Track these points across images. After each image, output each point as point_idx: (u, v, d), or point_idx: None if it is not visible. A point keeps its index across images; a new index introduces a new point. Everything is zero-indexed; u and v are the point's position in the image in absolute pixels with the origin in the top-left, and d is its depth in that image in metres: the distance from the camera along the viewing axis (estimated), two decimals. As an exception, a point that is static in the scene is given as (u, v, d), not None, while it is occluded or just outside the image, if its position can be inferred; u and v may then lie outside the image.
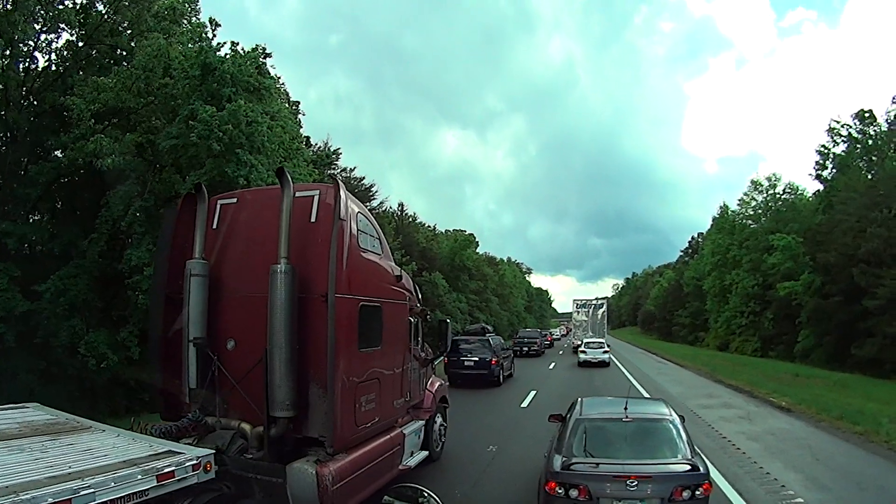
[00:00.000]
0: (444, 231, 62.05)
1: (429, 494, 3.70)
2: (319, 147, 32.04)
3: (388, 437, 8.16)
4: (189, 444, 6.20)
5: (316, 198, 7.04)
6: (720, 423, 14.98)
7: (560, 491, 6.19)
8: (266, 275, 6.54)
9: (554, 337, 66.13)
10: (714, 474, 8.51)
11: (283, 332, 6.38)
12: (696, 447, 6.92)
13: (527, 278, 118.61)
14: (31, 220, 18.16)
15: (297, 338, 6.49)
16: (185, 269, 7.12)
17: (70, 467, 4.50)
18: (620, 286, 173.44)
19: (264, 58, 18.95)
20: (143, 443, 5.37)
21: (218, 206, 7.64)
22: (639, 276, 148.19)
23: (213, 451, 5.32)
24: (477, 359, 23.07)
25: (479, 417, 15.65)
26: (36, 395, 16.21)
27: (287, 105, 25.94)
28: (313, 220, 6.96)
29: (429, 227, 57.05)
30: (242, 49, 18.20)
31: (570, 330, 64.32)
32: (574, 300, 56.42)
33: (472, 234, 63.92)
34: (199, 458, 4.97)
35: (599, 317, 53.14)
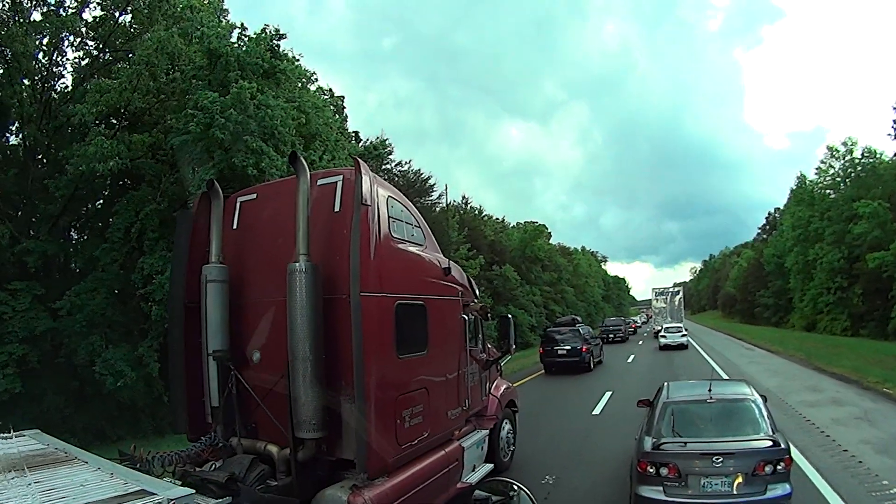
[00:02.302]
0: (515, 224, 59.33)
1: (519, 488, 3.28)
2: (370, 142, 29.41)
3: (443, 453, 7.07)
4: (208, 470, 5.64)
5: (339, 184, 6.15)
6: (835, 429, 11.43)
7: (651, 470, 6.45)
8: None
9: (637, 325, 65.52)
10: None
11: (307, 341, 5.51)
12: (776, 425, 7.01)
13: (602, 267, 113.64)
14: (60, 239, 17.25)
15: (325, 346, 5.60)
16: (202, 274, 6.36)
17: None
18: (698, 269, 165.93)
19: (278, 40, 16.38)
20: (119, 479, 4.35)
21: (238, 205, 6.90)
22: (716, 258, 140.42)
23: (192, 492, 4.12)
24: (569, 347, 24.04)
25: (542, 428, 12.52)
26: (66, 417, 15.09)
27: (329, 98, 23.82)
28: (337, 209, 6.07)
29: (497, 219, 54.00)
30: (252, 33, 15.80)
31: (651, 317, 65.96)
32: (653, 289, 59.36)
33: (542, 225, 60.58)
34: (171, 500, 3.90)
35: (677, 303, 55.16)
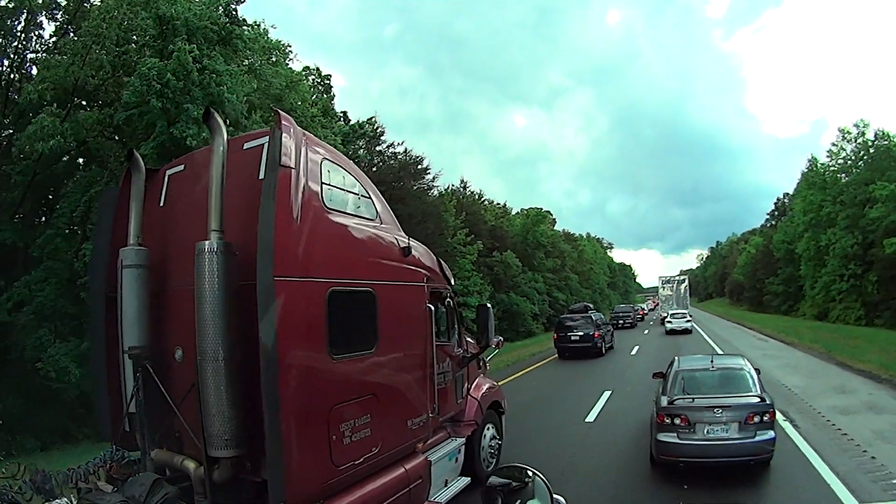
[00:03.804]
0: (519, 210, 57.58)
1: (533, 473, 2.85)
2: (357, 122, 27.59)
3: (402, 470, 6.06)
4: (109, 491, 4.77)
5: (267, 146, 4.97)
6: (881, 447, 8.86)
7: (667, 420, 7.99)
8: None
9: (644, 312, 65.31)
10: None
11: (217, 338, 4.54)
12: (765, 388, 8.60)
13: (608, 254, 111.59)
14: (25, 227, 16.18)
15: (243, 344, 4.57)
16: (118, 259, 5.52)
17: None
18: (705, 256, 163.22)
19: (236, 4, 14.49)
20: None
21: (166, 178, 6.05)
22: (723, 245, 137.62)
23: None
24: (582, 333, 24.55)
25: (523, 440, 10.33)
26: (25, 417, 13.99)
27: (316, 78, 22.16)
28: (262, 176, 4.91)
29: (498, 204, 51.99)
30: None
31: (658, 304, 67.43)
32: (659, 277, 62.04)
33: (547, 211, 58.97)
34: None
35: (682, 291, 57.16)
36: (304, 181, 4.89)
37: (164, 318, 5.52)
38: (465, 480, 7.48)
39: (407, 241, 6.37)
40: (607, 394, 14.65)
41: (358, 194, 5.75)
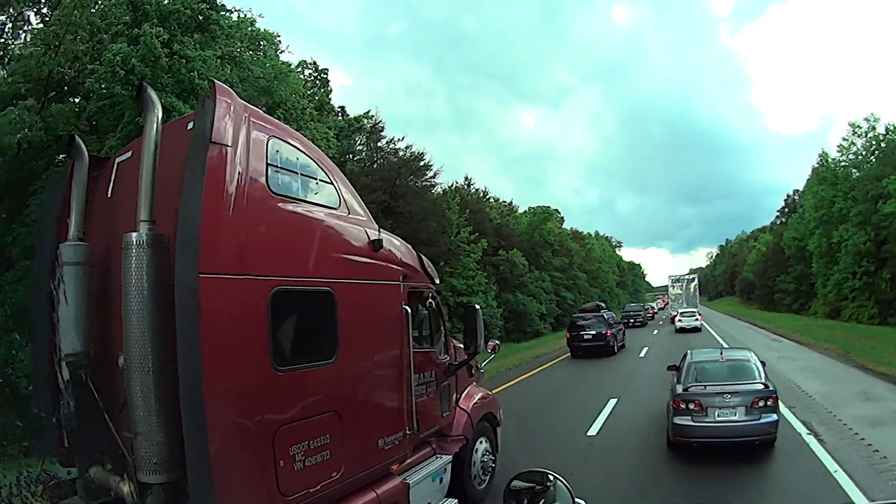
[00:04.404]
0: (527, 209, 56.54)
1: (554, 477, 2.92)
2: (352, 116, 26.69)
3: (373, 495, 5.25)
4: None
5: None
6: None
7: (683, 405, 8.84)
8: None
9: (654, 310, 64.85)
10: None
11: (145, 346, 3.85)
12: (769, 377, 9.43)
13: (617, 252, 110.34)
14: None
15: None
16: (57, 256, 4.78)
17: None
18: (714, 255, 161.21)
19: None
20: None
21: (115, 167, 5.25)
22: (732, 243, 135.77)
23: None
24: (594, 332, 24.69)
25: (515, 453, 9.08)
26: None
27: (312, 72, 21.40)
28: None
29: (504, 202, 51.01)
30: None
31: (667, 303, 67.23)
32: (669, 276, 63.02)
33: (555, 209, 58.20)
34: None
35: (692, 290, 57.41)
36: (242, 161, 4.23)
37: (108, 322, 4.81)
38: (452, 502, 6.75)
39: (378, 233, 5.55)
40: (613, 402, 13.42)
41: (315, 178, 5.03)
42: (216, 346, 3.86)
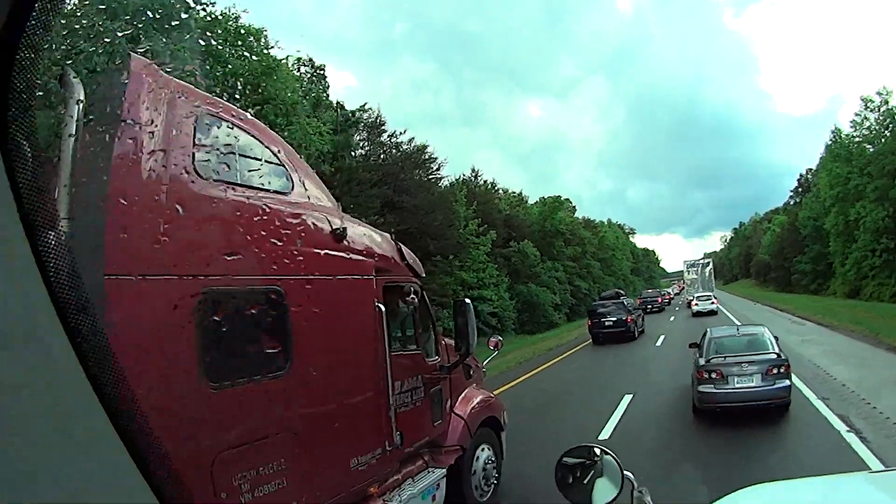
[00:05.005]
0: (538, 199, 55.53)
1: (602, 451, 2.88)
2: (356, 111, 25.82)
3: None
4: None
5: None
6: None
7: (706, 375, 9.69)
8: None
9: (670, 296, 65.09)
10: None
11: None
12: (781, 347, 10.35)
13: (631, 239, 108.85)
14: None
15: None
16: None
17: None
18: (728, 238, 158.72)
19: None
20: None
21: None
22: (746, 226, 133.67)
23: None
24: (615, 318, 25.25)
25: (518, 462, 7.94)
26: None
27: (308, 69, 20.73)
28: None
29: (513, 193, 49.88)
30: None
31: (683, 288, 69.24)
32: (684, 261, 66.14)
33: (566, 199, 57.18)
34: None
35: (707, 274, 59.67)
36: (161, 142, 3.56)
37: None
38: None
39: (341, 221, 4.77)
40: (627, 399, 12.23)
41: (260, 160, 4.29)
42: (130, 362, 2.95)
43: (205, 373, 3.54)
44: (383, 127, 28.23)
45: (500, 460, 7.45)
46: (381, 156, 27.63)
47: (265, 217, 4.14)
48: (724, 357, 9.92)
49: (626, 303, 27.21)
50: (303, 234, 4.48)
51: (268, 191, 4.25)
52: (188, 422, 3.44)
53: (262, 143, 4.38)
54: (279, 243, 4.25)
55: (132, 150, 3.43)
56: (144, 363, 3.20)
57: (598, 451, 2.89)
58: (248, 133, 4.28)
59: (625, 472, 2.67)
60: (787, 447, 8.13)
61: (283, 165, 4.52)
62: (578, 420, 11.22)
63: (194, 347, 3.48)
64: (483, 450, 7.15)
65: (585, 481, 2.88)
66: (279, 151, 4.55)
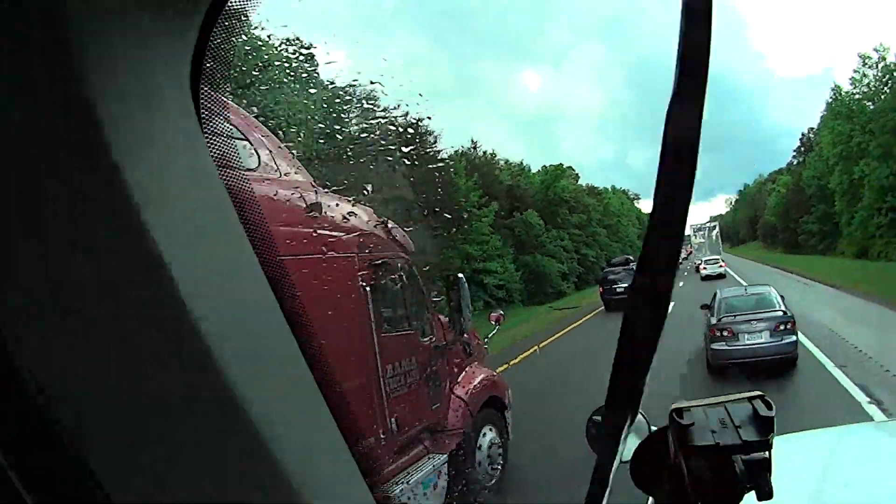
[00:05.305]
0: (540, 167, 54.22)
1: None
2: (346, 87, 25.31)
3: None
4: None
5: None
6: None
7: (718, 333, 10.32)
8: None
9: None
10: None
11: None
12: (787, 305, 11.02)
13: (636, 205, 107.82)
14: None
15: None
16: None
17: None
18: (734, 200, 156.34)
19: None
20: None
21: None
22: (751, 187, 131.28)
23: None
24: (626, 285, 24.69)
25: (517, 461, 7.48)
26: None
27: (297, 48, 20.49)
28: None
29: (514, 163, 49.17)
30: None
31: (691, 252, 67.28)
32: (690, 226, 63.32)
33: (569, 167, 56.45)
34: None
35: (714, 237, 62.11)
36: None
37: None
38: None
39: (317, 196, 4.45)
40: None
41: (221, 135, 3.45)
42: None
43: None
44: (377, 102, 27.32)
45: (506, 442, 7.18)
46: (377, 132, 27.02)
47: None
48: (735, 316, 10.64)
49: (635, 269, 27.17)
50: (269, 212, 3.87)
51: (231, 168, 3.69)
52: None
53: (225, 121, 3.78)
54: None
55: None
56: None
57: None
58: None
59: (652, 428, 2.32)
60: (803, 418, 7.58)
61: (246, 138, 4.25)
62: (584, 399, 10.39)
63: None
64: (486, 431, 6.88)
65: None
66: (240, 125, 4.26)
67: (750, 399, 0.82)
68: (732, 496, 0.74)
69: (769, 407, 0.80)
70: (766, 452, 0.76)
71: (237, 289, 0.76)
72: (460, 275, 7.09)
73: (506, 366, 12.52)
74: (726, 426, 0.78)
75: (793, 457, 2.32)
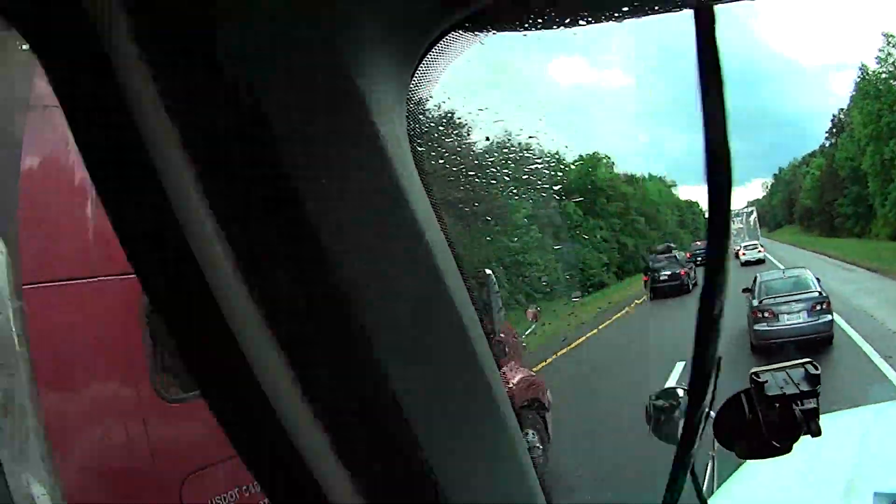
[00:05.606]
0: (577, 156, 53.43)
1: (685, 391, 1.90)
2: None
3: None
4: None
5: None
6: None
7: (759, 315, 10.81)
8: None
9: None
10: None
11: None
12: (823, 286, 11.65)
13: (674, 192, 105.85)
14: None
15: None
16: None
17: None
18: (770, 185, 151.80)
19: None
20: None
21: None
22: (785, 171, 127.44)
23: None
24: (669, 272, 26.15)
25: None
26: None
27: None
28: None
29: (549, 152, 48.58)
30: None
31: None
32: None
33: (605, 155, 55.55)
34: None
35: (752, 223, 63.18)
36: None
37: None
38: None
39: None
40: (680, 366, 10.54)
41: None
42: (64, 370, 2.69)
43: (157, 384, 3.13)
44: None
45: (546, 445, 6.74)
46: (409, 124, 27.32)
47: None
48: (774, 297, 11.12)
49: (678, 256, 27.88)
50: None
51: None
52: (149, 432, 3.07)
53: None
54: None
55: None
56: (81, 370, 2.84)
57: (680, 392, 2.44)
58: None
59: (709, 412, 2.74)
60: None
61: None
62: (627, 395, 8.91)
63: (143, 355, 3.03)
64: (525, 435, 6.33)
65: (671, 420, 2.85)
66: None
67: (803, 364, 1.13)
68: (793, 434, 0.97)
69: (816, 368, 1.05)
70: (815, 401, 0.99)
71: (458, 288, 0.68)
72: (487, 270, 6.78)
73: (546, 362, 12.31)
74: (788, 383, 1.02)
75: (829, 436, 2.42)
